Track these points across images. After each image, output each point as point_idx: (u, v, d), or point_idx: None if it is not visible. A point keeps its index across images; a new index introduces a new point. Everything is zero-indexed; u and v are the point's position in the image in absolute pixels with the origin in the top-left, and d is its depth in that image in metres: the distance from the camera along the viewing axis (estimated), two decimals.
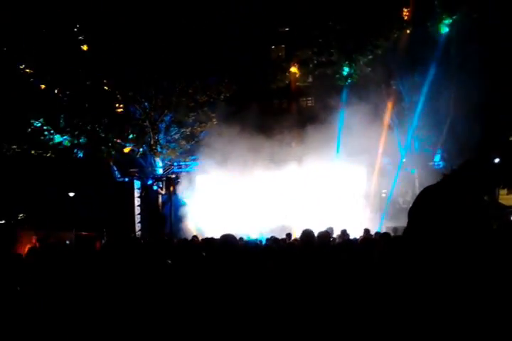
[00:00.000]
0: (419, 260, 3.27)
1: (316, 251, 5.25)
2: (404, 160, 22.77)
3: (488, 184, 3.30)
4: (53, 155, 21.60)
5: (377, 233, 11.84)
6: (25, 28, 20.32)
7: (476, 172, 3.21)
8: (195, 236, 13.21)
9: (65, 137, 21.65)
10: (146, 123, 23.24)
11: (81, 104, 21.68)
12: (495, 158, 19.09)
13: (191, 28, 22.46)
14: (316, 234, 5.78)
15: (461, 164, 3.29)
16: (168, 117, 23.83)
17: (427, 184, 3.47)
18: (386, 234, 8.64)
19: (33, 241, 14.51)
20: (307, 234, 5.44)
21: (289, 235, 12.59)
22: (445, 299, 2.97)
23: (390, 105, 22.43)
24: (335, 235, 11.07)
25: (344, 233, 11.34)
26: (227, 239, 4.66)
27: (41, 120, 21.32)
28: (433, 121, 21.89)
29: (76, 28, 21.16)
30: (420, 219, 3.23)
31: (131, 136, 23.19)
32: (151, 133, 23.20)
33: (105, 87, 22.25)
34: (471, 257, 3.03)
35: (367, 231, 12.40)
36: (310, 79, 28.60)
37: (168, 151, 23.61)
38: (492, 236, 3.17)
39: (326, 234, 6.35)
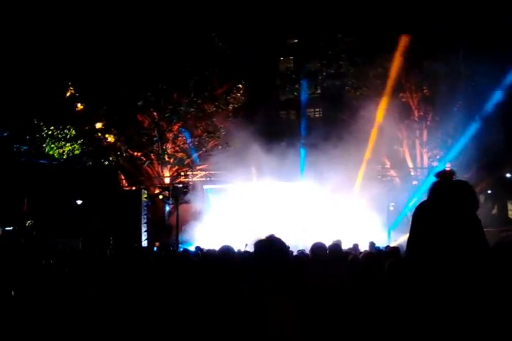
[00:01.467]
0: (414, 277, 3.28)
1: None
2: (412, 173, 22.72)
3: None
4: (62, 163, 21.78)
5: (387, 247, 11.76)
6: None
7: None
8: (198, 248, 13.07)
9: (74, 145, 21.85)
10: (155, 133, 23.30)
11: (90, 112, 21.86)
12: (506, 172, 19.03)
13: (201, 38, 22.63)
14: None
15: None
16: (177, 127, 23.89)
17: None
18: (394, 248, 8.59)
19: None
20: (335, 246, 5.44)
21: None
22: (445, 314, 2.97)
23: (398, 118, 22.41)
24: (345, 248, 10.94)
25: (356, 248, 11.21)
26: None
27: (52, 127, 21.53)
28: (442, 134, 21.87)
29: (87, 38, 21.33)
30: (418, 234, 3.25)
31: (139, 145, 23.25)
32: (160, 143, 23.25)
33: (115, 96, 22.34)
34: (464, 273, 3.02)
35: (372, 244, 12.30)
36: (318, 91, 28.73)
37: (176, 161, 23.64)
38: (483, 251, 3.15)
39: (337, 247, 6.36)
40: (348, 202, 19.95)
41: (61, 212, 20.20)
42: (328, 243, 6.39)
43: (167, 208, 22.79)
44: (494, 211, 23.50)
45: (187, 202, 21.92)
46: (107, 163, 22.57)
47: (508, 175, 20.46)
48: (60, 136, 21.81)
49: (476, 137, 19.71)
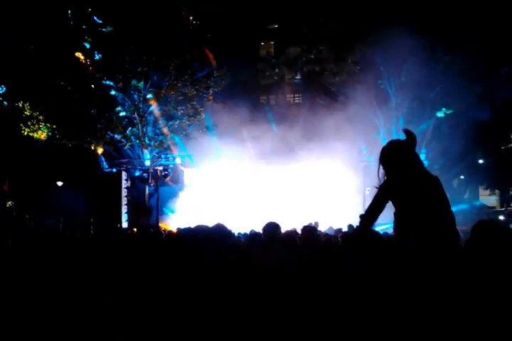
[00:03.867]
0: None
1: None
2: None
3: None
4: (41, 144, 21.68)
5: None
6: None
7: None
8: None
9: (53, 126, 21.77)
10: (135, 115, 23.30)
11: (71, 93, 21.76)
12: (479, 159, 19.52)
13: (182, 21, 22.62)
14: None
15: None
16: (157, 110, 23.89)
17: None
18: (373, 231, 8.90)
19: None
20: (308, 229, 5.58)
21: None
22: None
23: (376, 104, 22.77)
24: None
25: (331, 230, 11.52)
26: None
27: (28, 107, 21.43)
28: (418, 120, 22.32)
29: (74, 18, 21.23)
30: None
31: (119, 127, 23.24)
32: (140, 125, 23.26)
33: (95, 78, 22.26)
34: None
35: (351, 227, 12.63)
36: (298, 76, 28.87)
37: (156, 143, 23.74)
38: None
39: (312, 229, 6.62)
40: (323, 187, 20.39)
41: (42, 194, 20.23)
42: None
43: (147, 190, 22.97)
44: (466, 195, 24.19)
45: (167, 184, 22.14)
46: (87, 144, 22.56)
47: (480, 161, 21.02)
48: (39, 117, 21.69)
49: (451, 124, 20.21)
